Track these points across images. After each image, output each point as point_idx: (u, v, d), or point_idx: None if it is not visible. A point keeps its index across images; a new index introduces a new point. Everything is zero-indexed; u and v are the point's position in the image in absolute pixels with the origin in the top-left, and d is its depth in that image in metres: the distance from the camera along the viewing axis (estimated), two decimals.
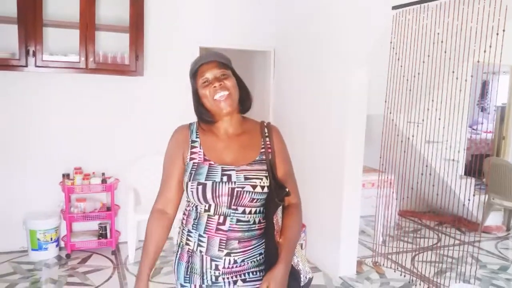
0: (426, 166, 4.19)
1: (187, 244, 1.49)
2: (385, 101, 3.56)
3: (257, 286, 1.49)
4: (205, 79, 1.45)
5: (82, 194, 4.05)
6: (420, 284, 3.62)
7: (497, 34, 2.63)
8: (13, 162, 4.02)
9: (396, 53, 3.31)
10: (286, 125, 4.23)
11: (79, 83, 4.11)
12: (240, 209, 1.43)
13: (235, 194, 1.41)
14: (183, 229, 1.52)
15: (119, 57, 4.04)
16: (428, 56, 3.18)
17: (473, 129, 8.22)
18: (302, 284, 1.53)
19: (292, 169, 1.58)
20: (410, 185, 4.13)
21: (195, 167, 1.45)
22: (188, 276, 1.49)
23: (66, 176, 4.00)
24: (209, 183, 1.41)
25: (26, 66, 3.71)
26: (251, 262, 1.48)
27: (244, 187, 1.41)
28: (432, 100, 3.45)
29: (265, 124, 1.58)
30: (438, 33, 3.01)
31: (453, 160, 3.85)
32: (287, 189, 1.49)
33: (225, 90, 1.43)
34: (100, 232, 4.09)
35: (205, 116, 1.50)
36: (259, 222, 1.48)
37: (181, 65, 4.43)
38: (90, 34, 3.83)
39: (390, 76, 3.41)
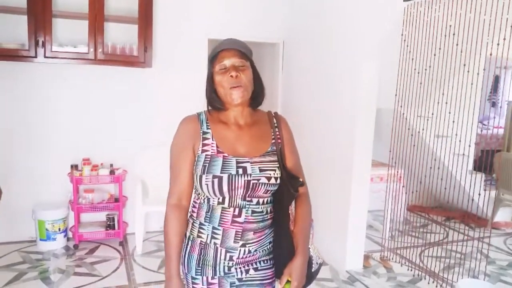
0: (435, 160, 4.15)
1: (199, 236, 1.47)
2: (396, 95, 3.52)
3: (268, 274, 1.52)
4: (223, 66, 1.42)
5: (90, 185, 4.07)
6: (427, 279, 3.60)
7: (511, 27, 2.58)
8: (22, 152, 4.05)
9: (407, 46, 3.26)
10: (294, 118, 4.18)
11: (88, 74, 4.11)
12: (255, 201, 1.43)
13: (251, 186, 1.40)
14: (194, 221, 1.49)
15: (128, 48, 4.03)
16: (440, 49, 3.13)
17: (484, 124, 8.12)
18: (313, 270, 1.56)
19: (299, 159, 1.59)
20: (419, 179, 4.10)
21: (208, 159, 1.42)
22: (200, 268, 1.47)
23: (74, 167, 4.02)
24: (225, 176, 1.39)
25: (36, 57, 3.72)
26: (262, 250, 1.50)
27: (259, 179, 1.41)
28: (443, 94, 3.39)
29: (273, 114, 1.57)
30: (450, 26, 2.96)
31: (463, 154, 3.80)
32: (300, 179, 1.50)
33: (239, 81, 1.40)
34: (108, 223, 4.11)
35: (216, 102, 1.48)
36: (270, 212, 1.49)
37: (189, 57, 4.47)
38: (99, 25, 3.83)
39: (401, 69, 3.37)
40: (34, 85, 4.02)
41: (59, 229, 3.96)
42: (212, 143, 1.44)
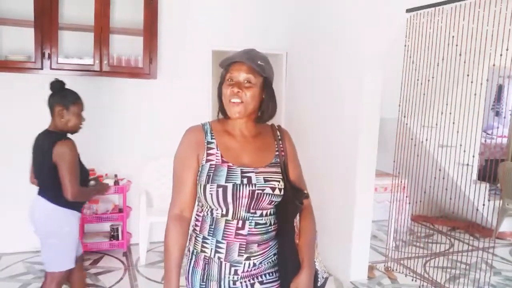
0: (440, 170, 4.14)
1: (202, 251, 1.45)
2: (399, 105, 3.53)
3: (274, 286, 1.49)
4: (230, 78, 1.42)
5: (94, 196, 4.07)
6: None
7: None
8: (25, 162, 4.05)
9: (410, 56, 3.28)
10: (298, 128, 4.22)
11: (93, 86, 4.15)
12: (258, 212, 1.42)
13: (255, 196, 1.39)
14: (197, 236, 1.47)
15: (133, 60, 4.07)
16: (443, 59, 3.15)
17: (488, 133, 8.11)
18: (319, 284, 1.54)
19: (301, 171, 1.60)
20: (423, 189, 4.09)
21: (213, 168, 1.41)
22: (204, 283, 1.44)
23: None
24: (229, 186, 1.37)
25: (42, 68, 3.76)
26: (267, 263, 1.48)
27: (264, 189, 1.40)
28: (447, 104, 3.41)
29: (276, 127, 1.57)
30: (453, 36, 2.98)
31: (467, 164, 3.80)
32: (306, 192, 1.52)
33: (239, 99, 1.39)
34: (112, 233, 4.12)
35: (221, 110, 1.49)
36: (273, 224, 1.48)
37: (194, 68, 4.50)
38: (104, 37, 3.87)
39: (404, 79, 3.39)
40: (40, 97, 4.02)
41: None
42: (216, 153, 1.43)
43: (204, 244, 1.44)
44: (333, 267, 3.81)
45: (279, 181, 1.44)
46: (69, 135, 2.61)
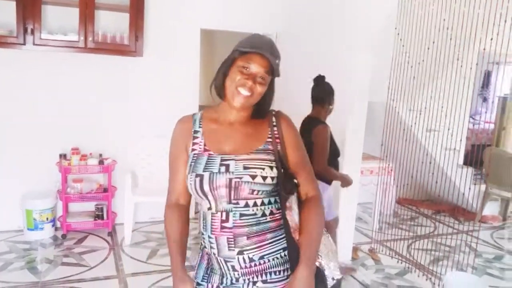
0: (427, 155, 4.16)
1: (205, 247, 1.43)
2: (388, 88, 3.51)
3: (278, 287, 1.38)
4: (247, 67, 1.33)
5: (79, 175, 4.02)
6: (415, 272, 3.63)
7: (505, 21, 2.58)
8: (10, 141, 3.98)
9: (400, 39, 3.25)
10: (286, 109, 4.15)
11: (77, 63, 4.04)
12: (242, 203, 1.32)
13: (233, 185, 1.31)
14: (200, 231, 1.46)
15: (119, 37, 3.97)
16: (433, 42, 3.12)
17: (474, 119, 8.17)
18: (329, 286, 1.42)
19: (306, 159, 1.46)
20: (410, 173, 4.11)
21: (195, 158, 1.38)
22: (207, 275, 1.43)
23: (63, 156, 3.97)
24: (206, 174, 1.32)
25: (24, 44, 3.65)
26: (273, 259, 1.36)
27: (242, 177, 1.31)
28: (436, 88, 3.40)
29: (273, 113, 1.46)
30: (444, 19, 2.95)
31: (454, 149, 3.81)
32: (295, 181, 1.41)
33: (250, 92, 1.33)
34: (97, 213, 4.08)
35: (217, 87, 1.40)
36: (272, 214, 1.36)
37: (181, 47, 4.42)
38: (89, 13, 3.76)
39: (394, 62, 3.36)
40: (23, 73, 3.94)
41: (47, 219, 3.92)
42: (200, 142, 1.40)
43: (203, 240, 1.42)
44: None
45: (263, 169, 1.32)
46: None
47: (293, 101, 4.36)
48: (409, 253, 4.05)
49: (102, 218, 4.08)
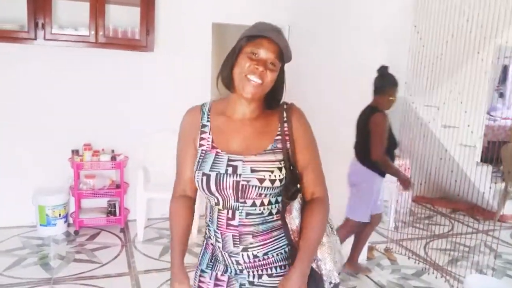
0: (446, 151, 4.05)
1: (209, 237, 1.42)
2: (405, 82, 3.41)
3: None
4: (257, 53, 1.26)
5: (91, 171, 4.01)
6: (433, 273, 3.54)
7: None
8: (22, 137, 3.98)
9: (418, 32, 3.14)
10: (298, 104, 4.08)
11: (88, 58, 4.02)
12: (249, 202, 1.29)
13: (240, 188, 1.27)
14: (206, 222, 1.44)
15: (130, 32, 3.94)
16: (452, 36, 3.02)
17: (491, 115, 7.99)
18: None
19: (316, 158, 1.40)
20: (428, 170, 4.01)
21: (203, 155, 1.34)
22: (211, 263, 1.42)
23: (75, 152, 3.95)
24: (212, 175, 1.29)
25: (35, 39, 3.64)
26: (276, 254, 1.36)
27: (249, 181, 1.27)
28: (456, 83, 3.29)
29: (285, 107, 1.37)
30: (464, 11, 2.84)
31: (472, 146, 3.70)
32: (298, 186, 1.36)
33: (260, 79, 1.25)
34: (109, 209, 4.07)
35: (226, 80, 1.32)
36: (279, 212, 1.34)
37: (193, 41, 4.36)
38: (100, 7, 3.73)
39: (411, 56, 3.26)
40: (34, 68, 3.93)
41: (60, 215, 3.91)
42: (208, 137, 1.35)
43: (209, 231, 1.41)
44: None
45: (272, 171, 1.28)
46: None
47: (303, 96, 4.29)
48: (426, 253, 3.95)
49: (115, 215, 4.07)
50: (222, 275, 1.39)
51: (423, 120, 3.93)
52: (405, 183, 3.11)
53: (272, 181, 1.28)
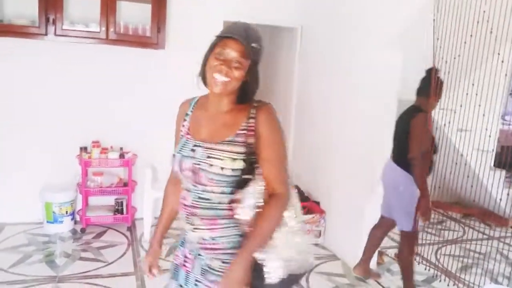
0: (461, 155, 3.95)
1: None
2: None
3: None
4: (222, 53, 1.37)
5: (99, 168, 3.98)
6: (444, 280, 3.45)
7: None
8: (31, 133, 3.96)
9: (434, 32, 3.06)
10: (309, 108, 4.05)
11: (99, 54, 3.99)
12: (200, 187, 1.41)
13: (194, 170, 1.41)
14: None
15: (141, 29, 3.90)
16: (471, 36, 2.93)
17: (504, 119, 7.83)
18: (265, 282, 1.41)
19: (280, 156, 1.43)
20: (442, 175, 3.91)
21: (180, 139, 1.51)
22: (184, 240, 1.56)
23: (83, 149, 3.93)
24: (178, 156, 1.46)
25: (46, 34, 3.62)
26: (227, 242, 1.42)
27: (200, 164, 1.39)
28: (473, 85, 3.20)
29: (255, 104, 1.44)
30: (484, 11, 2.75)
31: (487, 150, 3.60)
32: (250, 178, 1.39)
33: (225, 77, 1.37)
34: (116, 207, 4.04)
35: (202, 76, 1.45)
36: (228, 203, 1.41)
37: (203, 39, 4.26)
38: (111, 4, 3.71)
39: (427, 57, 3.17)
40: (44, 64, 3.91)
41: (67, 212, 3.89)
42: (186, 125, 1.52)
43: None
44: (341, 251, 3.72)
45: (222, 160, 1.37)
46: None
47: (314, 98, 4.22)
48: (438, 259, 3.86)
49: (122, 213, 4.04)
50: (190, 253, 1.51)
51: (438, 124, 3.84)
52: (426, 212, 2.87)
53: (222, 168, 1.36)
